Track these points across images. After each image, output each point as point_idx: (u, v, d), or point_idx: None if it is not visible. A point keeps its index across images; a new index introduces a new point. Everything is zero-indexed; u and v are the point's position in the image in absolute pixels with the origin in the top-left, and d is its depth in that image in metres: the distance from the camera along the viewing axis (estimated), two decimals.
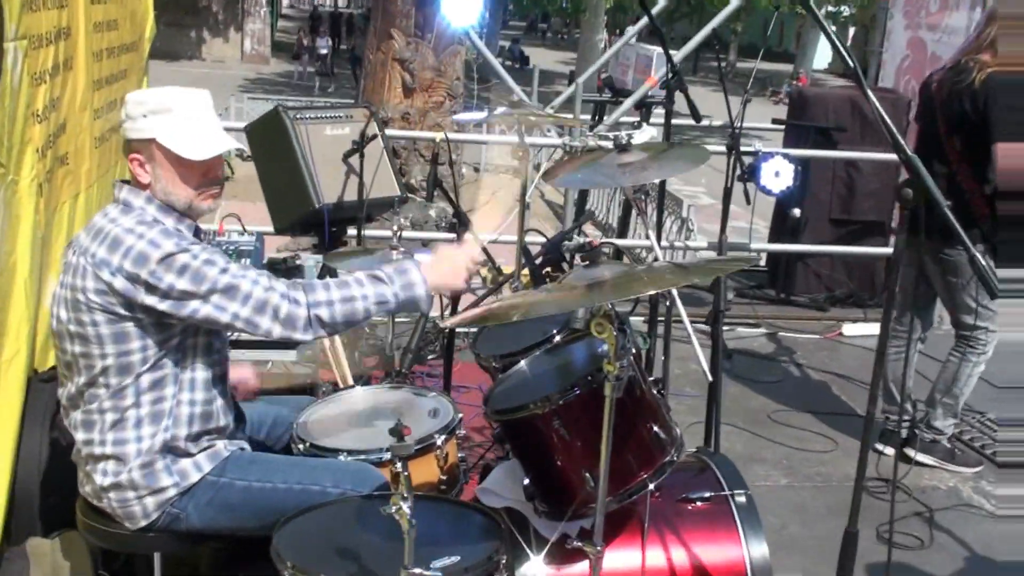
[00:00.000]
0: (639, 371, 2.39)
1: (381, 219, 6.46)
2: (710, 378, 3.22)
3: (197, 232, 2.55)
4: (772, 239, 6.97)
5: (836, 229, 6.79)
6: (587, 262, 2.07)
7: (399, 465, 1.92)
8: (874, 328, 6.33)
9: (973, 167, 4.21)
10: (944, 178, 4.29)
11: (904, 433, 4.65)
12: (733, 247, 6.63)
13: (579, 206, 6.23)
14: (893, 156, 6.50)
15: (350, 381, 2.95)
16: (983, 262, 2.12)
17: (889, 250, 6.67)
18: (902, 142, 2.18)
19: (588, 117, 6.47)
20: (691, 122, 4.31)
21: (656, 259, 4.37)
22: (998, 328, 4.43)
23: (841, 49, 2.33)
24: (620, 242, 6.41)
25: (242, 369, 2.96)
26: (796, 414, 5.07)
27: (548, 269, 3.29)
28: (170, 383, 2.46)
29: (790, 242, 6.60)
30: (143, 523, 2.50)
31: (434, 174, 3.50)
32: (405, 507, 1.91)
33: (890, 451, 4.62)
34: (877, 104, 2.24)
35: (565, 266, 3.45)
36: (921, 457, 4.56)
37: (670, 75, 3.90)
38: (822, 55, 39.18)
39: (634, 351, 2.34)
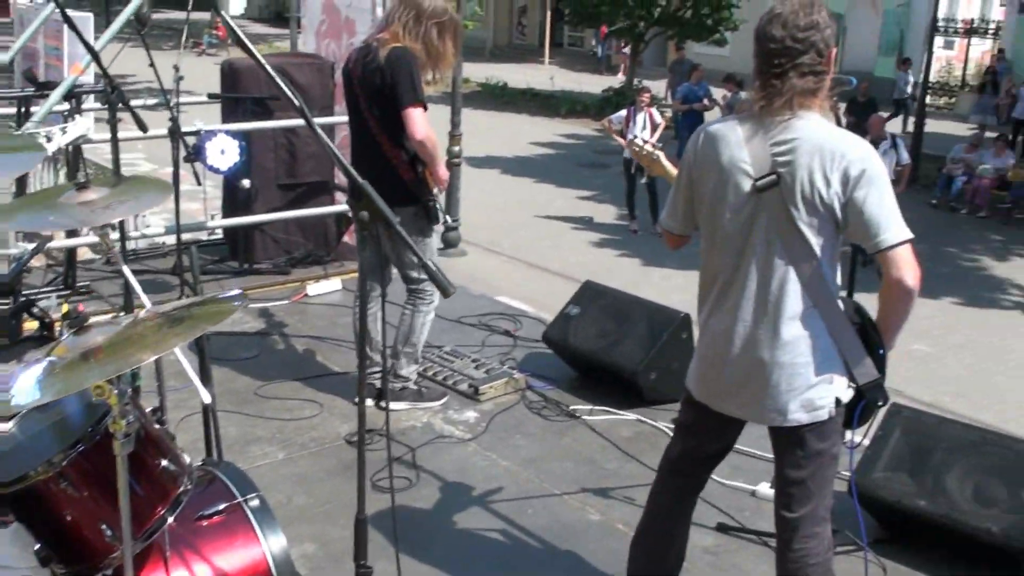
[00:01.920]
0: (140, 411, 2.43)
1: None
2: (206, 399, 3.27)
3: None
4: (226, 212, 7.07)
5: (285, 194, 7.05)
6: (74, 329, 2.07)
7: None
8: (335, 284, 6.75)
9: (392, 138, 4.66)
10: (374, 151, 4.73)
11: (378, 384, 5.09)
12: (189, 228, 6.67)
13: None
14: (328, 119, 6.87)
15: None
16: (430, 265, 2.42)
17: (337, 208, 7.09)
18: (349, 167, 2.43)
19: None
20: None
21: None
22: None
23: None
24: (70, 242, 6.11)
25: None
26: (281, 384, 5.30)
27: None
28: None
29: (244, 213, 6.74)
30: None
31: None
32: None
33: (369, 402, 5.04)
34: (323, 134, 2.44)
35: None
36: (394, 405, 5.04)
37: (111, 90, 3.82)
38: (238, 3, 39.20)
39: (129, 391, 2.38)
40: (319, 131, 2.44)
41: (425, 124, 4.57)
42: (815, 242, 2.82)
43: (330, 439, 4.75)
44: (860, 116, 16.77)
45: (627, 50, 24.65)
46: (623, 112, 12.99)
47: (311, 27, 7.41)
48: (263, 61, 2.39)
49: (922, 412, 4.15)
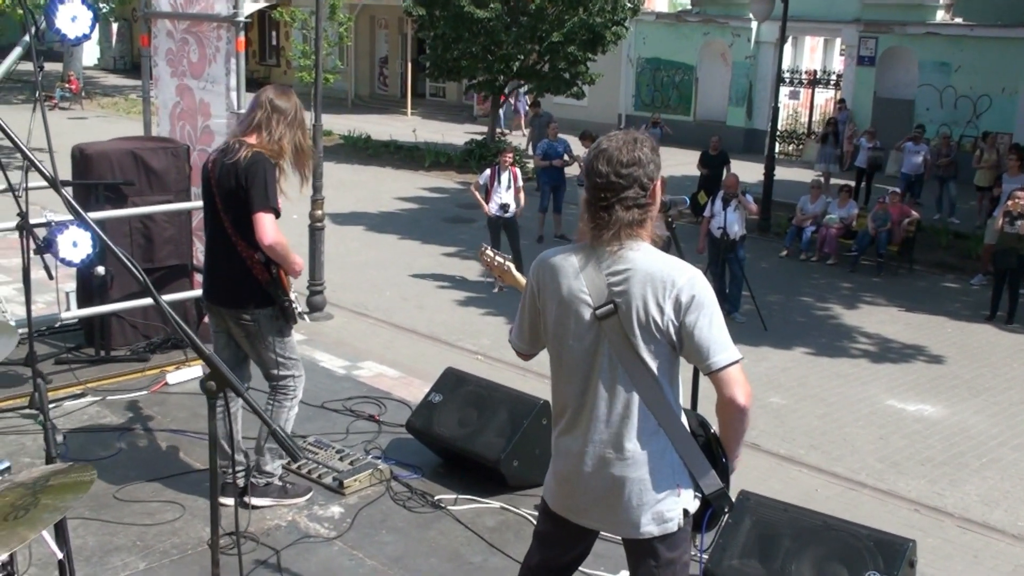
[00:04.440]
0: None
1: None
2: (59, 555, 3.18)
3: None
4: (81, 300, 6.90)
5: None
6: None
7: None
8: (195, 371, 6.64)
9: (246, 239, 4.68)
10: (229, 253, 4.73)
11: (241, 483, 5.03)
12: (42, 321, 6.50)
13: None
14: (184, 205, 6.80)
15: None
16: (279, 431, 2.46)
17: (196, 293, 7.00)
18: (200, 346, 2.44)
19: None
20: None
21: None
22: (303, 372, 5.02)
23: None
24: None
25: None
26: (141, 486, 5.19)
27: None
28: None
29: (100, 301, 6.60)
30: None
31: None
32: None
33: (230, 502, 4.95)
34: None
35: None
36: (258, 501, 4.99)
37: None
38: (91, 53, 38.22)
39: None
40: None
41: (274, 230, 4.61)
42: (654, 365, 2.97)
43: (192, 544, 4.68)
44: (713, 169, 17.45)
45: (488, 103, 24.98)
46: (487, 172, 13.19)
47: (165, 109, 7.33)
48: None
49: (768, 499, 4.34)
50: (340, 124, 26.44)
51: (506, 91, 23.11)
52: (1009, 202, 13.07)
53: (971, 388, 10.44)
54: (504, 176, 12.92)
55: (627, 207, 2.96)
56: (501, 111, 27.66)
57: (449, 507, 5.08)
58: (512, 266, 3.81)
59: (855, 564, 3.90)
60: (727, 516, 4.08)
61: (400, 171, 22.73)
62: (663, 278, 2.93)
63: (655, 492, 3.03)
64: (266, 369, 4.93)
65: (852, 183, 18.86)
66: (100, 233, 2.57)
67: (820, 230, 15.98)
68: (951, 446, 8.83)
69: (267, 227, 4.58)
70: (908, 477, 8.12)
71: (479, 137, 23.82)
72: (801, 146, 25.81)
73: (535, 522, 4.70)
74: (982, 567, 6.77)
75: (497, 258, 3.81)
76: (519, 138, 25.11)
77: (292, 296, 4.84)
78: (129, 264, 2.66)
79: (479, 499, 5.14)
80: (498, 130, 26.66)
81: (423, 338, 11.26)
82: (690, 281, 2.95)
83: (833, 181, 19.76)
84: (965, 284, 14.97)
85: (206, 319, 7.29)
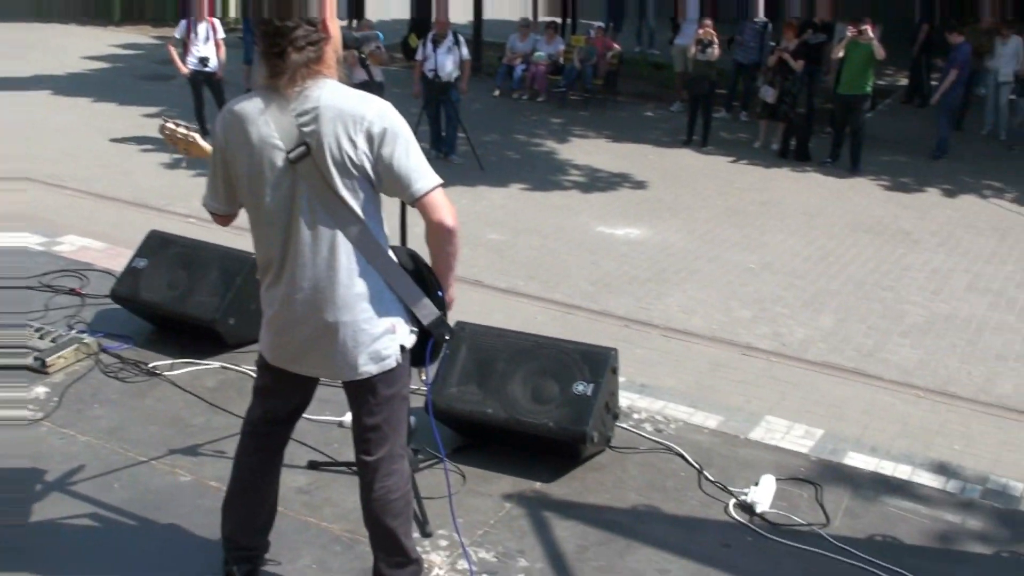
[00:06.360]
0: None
1: None
2: None
3: None
4: None
5: None
6: None
7: None
8: None
9: None
10: None
11: None
12: None
13: None
14: None
15: None
16: None
17: None
18: None
19: None
20: None
21: None
22: None
23: None
24: None
25: None
26: None
27: None
28: None
29: None
30: None
31: None
32: None
33: None
34: None
35: None
36: None
37: None
38: None
39: None
40: None
41: None
42: (355, 203, 2.93)
43: None
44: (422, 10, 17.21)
45: None
46: (183, 23, 12.40)
47: None
48: None
49: (483, 327, 4.48)
50: None
51: None
52: (700, 31, 13.71)
53: (671, 209, 11.11)
54: (201, 27, 12.21)
55: (299, 48, 2.86)
56: None
57: (165, 373, 4.92)
58: (198, 136, 3.61)
59: (564, 376, 4.12)
60: (447, 345, 4.19)
61: (87, 28, 21.03)
62: (352, 112, 2.87)
63: (370, 332, 3.03)
64: None
65: (559, 20, 19.17)
66: None
67: (530, 68, 16.23)
68: (655, 264, 9.41)
69: None
70: (618, 296, 8.60)
71: None
72: None
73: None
74: (684, 368, 7.33)
75: (180, 130, 3.60)
76: None
77: None
78: None
79: (197, 361, 5.01)
80: None
81: (129, 206, 10.65)
82: (380, 113, 2.89)
83: (540, 19, 20.00)
84: (664, 112, 15.74)
85: None
